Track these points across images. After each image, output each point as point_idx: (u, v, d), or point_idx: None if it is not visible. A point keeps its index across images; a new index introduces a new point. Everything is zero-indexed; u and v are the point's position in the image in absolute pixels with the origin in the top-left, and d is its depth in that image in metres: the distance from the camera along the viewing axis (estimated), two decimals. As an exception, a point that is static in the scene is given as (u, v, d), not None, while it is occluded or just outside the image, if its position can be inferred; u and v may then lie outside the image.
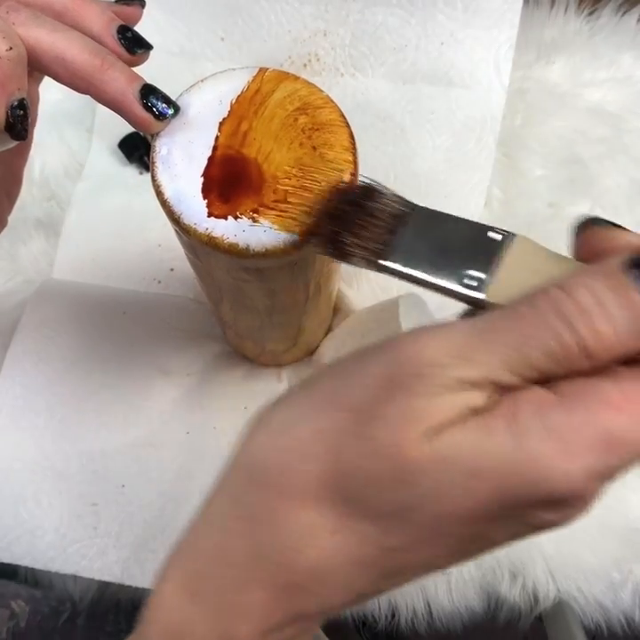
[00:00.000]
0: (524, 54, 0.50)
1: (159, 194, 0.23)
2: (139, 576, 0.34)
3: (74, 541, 0.36)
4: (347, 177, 0.24)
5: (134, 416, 0.40)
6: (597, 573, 0.40)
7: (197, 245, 0.24)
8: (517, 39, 0.46)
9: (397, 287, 0.42)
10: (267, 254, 0.23)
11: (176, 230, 0.25)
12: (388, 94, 0.47)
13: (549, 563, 0.40)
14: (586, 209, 0.47)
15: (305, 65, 0.48)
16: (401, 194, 0.47)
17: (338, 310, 0.42)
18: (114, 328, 0.42)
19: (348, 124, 0.25)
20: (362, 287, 0.42)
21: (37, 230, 0.46)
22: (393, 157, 0.46)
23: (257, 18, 0.48)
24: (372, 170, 0.47)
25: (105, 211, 0.46)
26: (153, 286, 0.44)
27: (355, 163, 0.25)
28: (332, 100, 0.26)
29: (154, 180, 0.24)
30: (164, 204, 0.23)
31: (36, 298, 0.42)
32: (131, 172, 0.47)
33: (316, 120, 0.25)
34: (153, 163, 0.24)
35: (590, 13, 0.51)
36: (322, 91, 0.26)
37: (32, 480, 0.38)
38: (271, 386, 0.42)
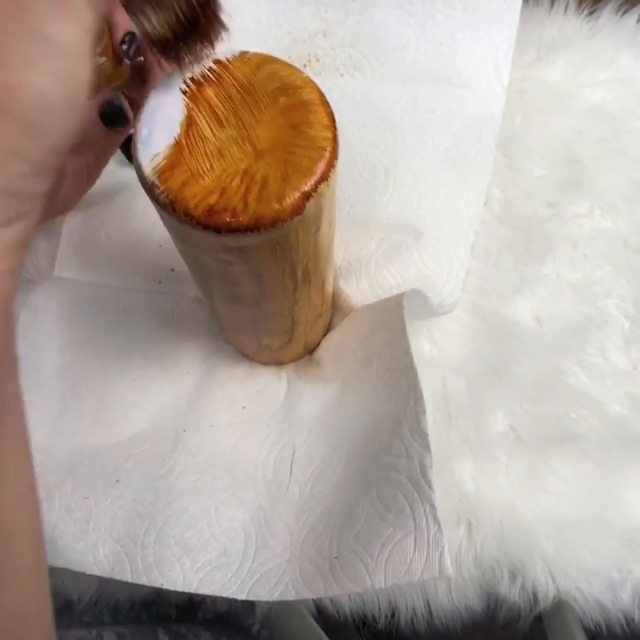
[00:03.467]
0: (523, 54, 0.50)
1: (139, 173, 0.24)
2: (129, 571, 0.34)
3: (65, 534, 0.35)
4: (327, 154, 0.24)
5: (132, 413, 0.40)
6: (597, 573, 0.40)
7: (178, 225, 0.24)
8: (517, 39, 0.46)
9: (397, 286, 0.42)
10: None
11: (158, 211, 0.25)
12: (387, 94, 0.47)
13: (549, 562, 0.40)
14: (585, 209, 0.47)
15: (305, 65, 0.48)
16: (400, 193, 0.47)
17: (337, 308, 0.42)
18: (114, 327, 0.42)
19: (326, 102, 0.25)
20: (361, 284, 0.42)
21: (38, 230, 0.47)
22: (392, 157, 0.46)
23: (256, 18, 0.48)
24: (371, 169, 0.47)
25: (105, 211, 0.46)
26: (153, 286, 0.45)
27: (334, 139, 0.25)
28: (311, 81, 0.26)
29: (135, 160, 0.24)
30: (144, 183, 0.24)
31: (36, 296, 0.42)
32: (131, 173, 0.47)
33: (296, 100, 0.25)
34: (134, 145, 0.24)
35: (590, 13, 0.51)
36: (301, 72, 0.26)
37: None
38: (271, 385, 0.42)
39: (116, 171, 0.47)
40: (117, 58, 0.28)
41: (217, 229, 0.23)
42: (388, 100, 0.47)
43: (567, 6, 0.51)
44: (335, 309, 0.43)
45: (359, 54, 0.48)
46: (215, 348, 0.43)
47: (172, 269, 0.45)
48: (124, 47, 0.26)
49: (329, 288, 0.38)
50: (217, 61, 0.26)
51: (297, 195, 0.23)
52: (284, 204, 0.23)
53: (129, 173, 0.48)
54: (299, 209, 0.23)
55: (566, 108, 0.49)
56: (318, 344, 0.43)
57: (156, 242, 0.45)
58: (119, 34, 0.26)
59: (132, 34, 0.26)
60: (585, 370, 0.44)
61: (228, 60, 0.26)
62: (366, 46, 0.48)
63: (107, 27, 0.27)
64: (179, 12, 0.23)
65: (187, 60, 0.25)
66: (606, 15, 0.51)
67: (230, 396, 0.41)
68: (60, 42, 0.17)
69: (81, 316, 0.42)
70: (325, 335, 0.43)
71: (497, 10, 0.47)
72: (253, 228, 0.23)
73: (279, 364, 0.43)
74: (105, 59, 0.27)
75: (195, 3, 0.23)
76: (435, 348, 0.44)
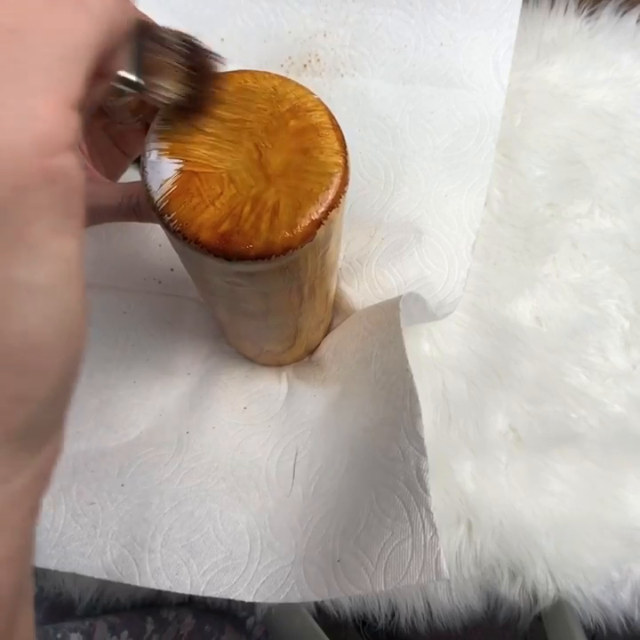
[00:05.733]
0: (523, 54, 0.50)
1: (149, 199, 0.23)
2: (137, 575, 0.35)
3: (72, 540, 0.36)
4: (338, 180, 0.24)
5: (134, 415, 0.40)
6: (597, 573, 0.40)
7: (188, 251, 0.24)
8: (517, 39, 0.46)
9: (397, 285, 0.42)
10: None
11: (168, 236, 0.25)
12: (387, 94, 0.47)
13: (549, 562, 0.40)
14: (585, 209, 0.47)
15: (305, 65, 0.48)
16: (401, 193, 0.47)
17: (338, 309, 0.42)
18: (114, 330, 0.42)
19: (338, 126, 0.25)
20: (362, 285, 0.42)
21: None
22: (393, 157, 0.46)
23: (257, 19, 0.48)
24: (372, 169, 0.47)
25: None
26: (153, 286, 0.45)
27: (345, 165, 0.24)
28: (322, 103, 0.25)
29: (144, 185, 0.24)
30: (154, 209, 0.23)
31: None
32: (131, 173, 0.47)
33: (306, 123, 0.25)
34: (143, 168, 0.24)
35: (590, 13, 0.51)
36: (312, 93, 0.26)
37: None
38: (271, 386, 0.42)
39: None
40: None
41: (228, 257, 0.23)
42: (389, 100, 0.47)
43: (567, 7, 0.51)
44: (336, 311, 0.43)
45: (359, 54, 0.48)
46: (216, 349, 0.43)
47: (172, 269, 0.45)
48: None
49: (332, 295, 0.38)
50: (226, 82, 0.25)
51: (307, 222, 0.23)
52: (295, 232, 0.23)
53: (129, 174, 0.48)
54: (309, 236, 0.23)
55: (566, 108, 0.49)
56: (318, 345, 0.43)
57: (155, 241, 0.45)
58: None
59: None
60: (585, 370, 0.44)
61: (240, 80, 0.25)
62: (366, 46, 0.48)
63: None
64: (183, 78, 0.23)
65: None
66: (606, 16, 0.51)
67: (232, 398, 0.41)
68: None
69: None
70: (325, 336, 0.43)
71: (497, 10, 0.47)
72: (264, 256, 0.23)
73: (280, 365, 0.43)
74: (132, 97, 0.28)
75: (194, 67, 0.23)
76: (435, 348, 0.44)
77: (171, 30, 0.23)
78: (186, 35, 0.23)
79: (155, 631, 0.43)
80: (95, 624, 0.40)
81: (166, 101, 0.23)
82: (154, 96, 0.22)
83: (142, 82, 0.22)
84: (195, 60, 0.23)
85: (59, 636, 0.38)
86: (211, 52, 0.24)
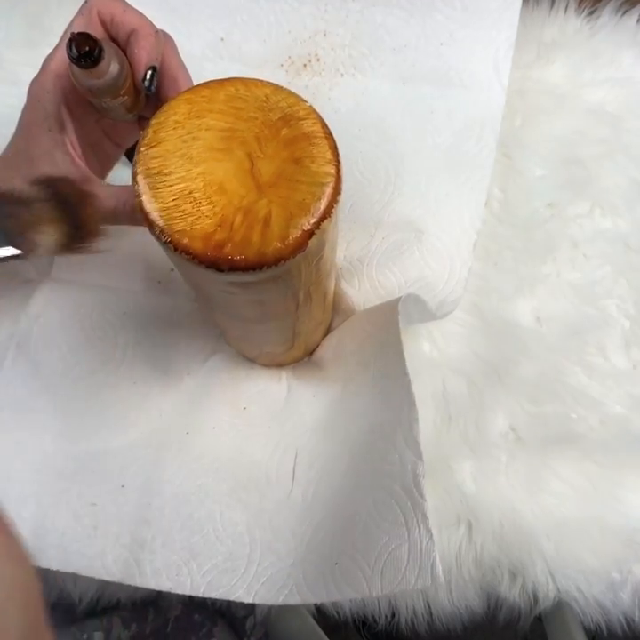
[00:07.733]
0: (523, 54, 0.50)
1: (141, 209, 0.23)
2: (138, 576, 0.35)
3: (74, 541, 0.36)
4: (330, 190, 0.24)
5: (134, 416, 0.40)
6: (597, 574, 0.40)
7: (181, 261, 0.24)
8: (517, 39, 0.46)
9: (398, 285, 0.42)
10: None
11: (161, 246, 0.24)
12: (387, 94, 0.47)
13: (549, 563, 0.40)
14: (585, 209, 0.47)
15: (305, 65, 0.48)
16: (401, 192, 0.47)
17: (338, 310, 0.42)
18: (114, 330, 0.42)
19: (330, 134, 0.25)
20: (362, 285, 0.42)
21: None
22: (393, 156, 0.46)
23: (256, 18, 0.48)
24: (372, 168, 0.47)
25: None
26: (153, 286, 0.44)
27: (337, 174, 0.24)
28: (314, 111, 0.25)
29: (136, 195, 0.23)
30: (146, 219, 0.23)
31: (37, 298, 0.42)
32: (126, 172, 0.47)
33: (299, 132, 0.24)
34: (134, 178, 0.23)
35: (590, 13, 0.51)
36: (305, 100, 0.25)
37: (33, 479, 0.38)
38: (271, 387, 0.42)
39: (115, 172, 0.47)
40: (137, 91, 0.29)
41: (219, 268, 0.23)
42: (389, 100, 0.47)
43: (567, 6, 0.51)
44: (336, 311, 0.43)
45: (359, 54, 0.48)
46: (216, 350, 0.42)
47: (172, 269, 0.45)
48: (146, 83, 0.28)
49: (330, 297, 0.38)
50: (218, 90, 0.25)
51: (299, 233, 0.23)
52: (286, 243, 0.23)
53: (129, 174, 0.47)
54: (301, 247, 0.23)
55: (566, 108, 0.49)
56: (318, 345, 0.43)
57: (155, 242, 0.45)
58: (141, 72, 0.28)
59: (153, 68, 0.28)
60: (585, 370, 0.44)
61: (231, 88, 0.25)
62: (366, 46, 0.48)
63: (130, 69, 0.28)
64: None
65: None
66: (606, 15, 0.51)
67: (232, 398, 0.41)
68: None
69: (81, 321, 0.42)
70: (325, 336, 0.43)
71: (497, 10, 0.47)
72: (256, 266, 0.23)
73: (280, 365, 0.43)
74: (127, 97, 0.29)
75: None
76: (435, 349, 0.44)
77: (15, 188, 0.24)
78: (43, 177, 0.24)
79: (153, 620, 0.45)
80: (112, 620, 0.43)
81: (50, 252, 0.23)
82: (35, 252, 0.22)
83: (17, 251, 0.22)
84: (57, 194, 0.23)
85: (85, 636, 0.40)
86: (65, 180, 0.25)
